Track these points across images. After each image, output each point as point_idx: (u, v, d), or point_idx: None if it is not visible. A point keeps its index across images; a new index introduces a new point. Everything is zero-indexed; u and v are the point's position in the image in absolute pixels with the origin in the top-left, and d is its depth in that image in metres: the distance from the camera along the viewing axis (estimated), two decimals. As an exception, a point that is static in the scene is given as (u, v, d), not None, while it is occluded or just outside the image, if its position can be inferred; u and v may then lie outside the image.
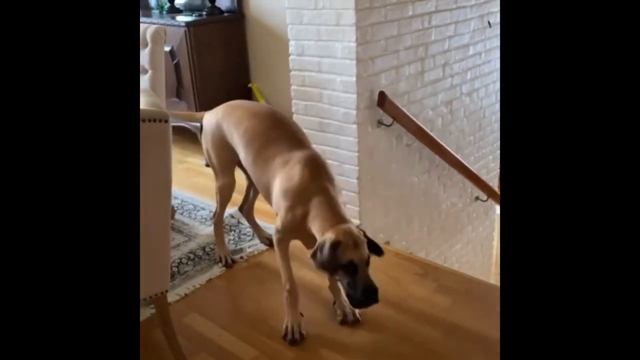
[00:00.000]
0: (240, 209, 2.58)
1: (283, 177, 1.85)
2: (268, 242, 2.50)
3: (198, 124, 2.31)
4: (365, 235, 1.73)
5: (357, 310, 1.99)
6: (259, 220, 2.56)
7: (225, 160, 2.16)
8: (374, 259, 1.65)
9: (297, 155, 1.86)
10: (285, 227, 1.84)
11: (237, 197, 2.66)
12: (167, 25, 3.65)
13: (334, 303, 2.03)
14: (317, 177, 1.81)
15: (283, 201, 1.83)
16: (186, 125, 3.63)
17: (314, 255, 1.70)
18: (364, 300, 1.66)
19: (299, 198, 1.79)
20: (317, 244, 1.70)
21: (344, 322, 1.98)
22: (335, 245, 1.64)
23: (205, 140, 2.20)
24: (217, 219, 2.36)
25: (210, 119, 2.19)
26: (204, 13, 3.87)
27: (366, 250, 1.69)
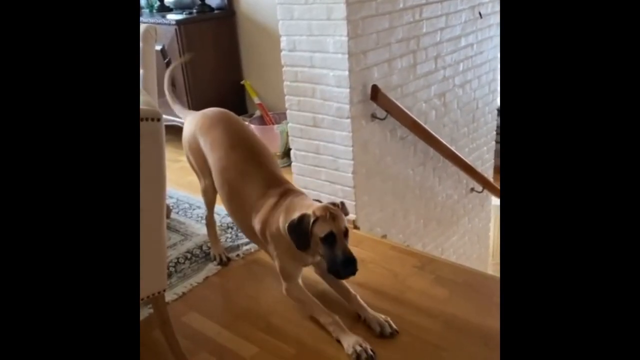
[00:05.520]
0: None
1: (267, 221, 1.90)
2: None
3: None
4: (342, 207, 1.78)
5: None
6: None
7: (205, 166, 2.17)
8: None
9: (271, 201, 1.92)
10: (285, 257, 1.89)
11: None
12: (158, 24, 3.63)
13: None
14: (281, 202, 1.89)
15: (272, 243, 1.90)
16: (179, 125, 3.61)
17: (290, 227, 1.72)
18: (343, 270, 1.69)
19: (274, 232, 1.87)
20: (294, 217, 1.74)
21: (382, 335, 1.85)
22: (313, 220, 1.69)
23: (184, 145, 2.24)
24: (208, 221, 2.39)
25: (187, 127, 2.21)
26: (194, 11, 3.85)
27: (344, 222, 1.73)
